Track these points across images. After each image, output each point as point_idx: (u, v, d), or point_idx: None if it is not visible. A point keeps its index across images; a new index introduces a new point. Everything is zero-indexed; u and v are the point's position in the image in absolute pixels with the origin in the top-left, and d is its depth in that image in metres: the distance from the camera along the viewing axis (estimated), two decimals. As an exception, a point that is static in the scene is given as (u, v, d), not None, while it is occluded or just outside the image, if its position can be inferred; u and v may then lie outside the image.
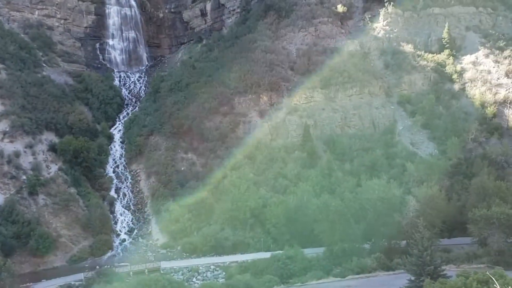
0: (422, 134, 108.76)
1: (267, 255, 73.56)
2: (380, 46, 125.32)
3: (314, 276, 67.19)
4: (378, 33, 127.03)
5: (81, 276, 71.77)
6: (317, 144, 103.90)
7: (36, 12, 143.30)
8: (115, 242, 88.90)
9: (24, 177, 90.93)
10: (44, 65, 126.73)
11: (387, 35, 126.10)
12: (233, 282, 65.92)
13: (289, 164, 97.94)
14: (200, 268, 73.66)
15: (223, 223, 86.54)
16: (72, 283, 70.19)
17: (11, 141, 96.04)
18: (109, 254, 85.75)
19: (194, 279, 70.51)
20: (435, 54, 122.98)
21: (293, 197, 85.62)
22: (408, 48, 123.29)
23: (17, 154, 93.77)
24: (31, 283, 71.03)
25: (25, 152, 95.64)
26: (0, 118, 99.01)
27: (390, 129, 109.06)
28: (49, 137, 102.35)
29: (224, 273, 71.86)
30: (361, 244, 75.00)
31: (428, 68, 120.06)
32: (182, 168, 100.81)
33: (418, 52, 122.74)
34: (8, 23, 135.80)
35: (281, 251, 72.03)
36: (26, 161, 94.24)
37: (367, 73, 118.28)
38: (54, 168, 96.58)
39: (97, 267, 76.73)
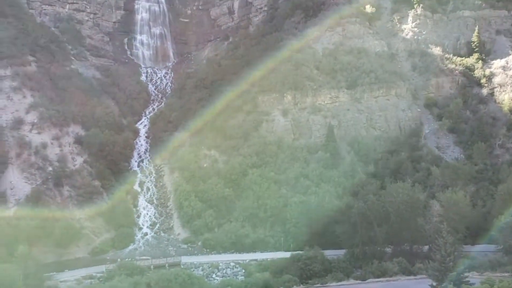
0: (448, 138, 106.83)
1: (286, 254, 73.44)
2: (408, 47, 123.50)
3: (334, 278, 66.83)
4: (407, 34, 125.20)
5: (102, 268, 72.84)
6: (341, 145, 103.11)
7: (67, 6, 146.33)
8: (137, 236, 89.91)
9: (50, 168, 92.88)
10: (73, 58, 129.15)
11: (415, 37, 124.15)
12: (252, 280, 66.05)
13: (311, 164, 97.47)
14: (220, 264, 74.03)
15: (243, 220, 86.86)
16: (94, 274, 71.25)
17: (39, 133, 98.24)
18: (130, 247, 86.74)
19: (214, 275, 70.89)
20: (464, 57, 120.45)
21: (314, 197, 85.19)
22: (436, 50, 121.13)
23: (44, 146, 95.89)
24: (54, 273, 72.41)
25: (52, 143, 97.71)
26: (29, 110, 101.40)
27: (416, 132, 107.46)
28: (76, 129, 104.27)
29: (243, 270, 72.04)
30: (383, 247, 74.22)
31: (456, 71, 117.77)
32: (205, 165, 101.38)
33: (447, 55, 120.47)
34: (40, 17, 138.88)
35: (301, 252, 71.78)
36: (52, 152, 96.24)
37: (394, 74, 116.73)
38: (79, 160, 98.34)
39: (119, 259, 77.83)
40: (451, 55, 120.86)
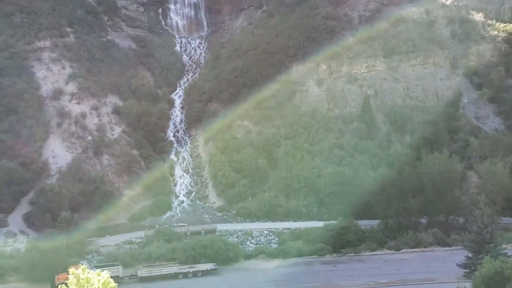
0: (488, 108, 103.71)
1: (319, 224, 74.10)
2: (448, 14, 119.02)
3: (367, 248, 67.34)
4: (446, 0, 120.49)
5: (141, 234, 75.24)
6: (377, 115, 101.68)
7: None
8: (173, 203, 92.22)
9: (89, 137, 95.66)
10: (109, 29, 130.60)
11: (455, 3, 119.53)
12: (285, 247, 67.33)
13: (346, 135, 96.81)
14: (254, 232, 75.42)
15: (277, 190, 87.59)
16: (133, 240, 73.78)
17: (78, 103, 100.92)
18: (168, 214, 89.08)
19: (248, 243, 72.40)
20: (507, 23, 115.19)
21: (349, 168, 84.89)
22: (478, 16, 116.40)
23: (83, 115, 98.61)
24: (95, 238, 75.51)
25: (91, 113, 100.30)
26: (68, 80, 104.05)
27: (454, 102, 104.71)
28: (113, 100, 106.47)
29: (277, 238, 73.26)
30: (418, 218, 73.88)
31: (499, 38, 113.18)
32: (238, 135, 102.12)
33: (489, 21, 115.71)
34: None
35: (334, 221, 72.27)
36: (91, 122, 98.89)
37: (432, 42, 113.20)
38: (117, 130, 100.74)
39: (156, 226, 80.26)
40: (494, 21, 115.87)
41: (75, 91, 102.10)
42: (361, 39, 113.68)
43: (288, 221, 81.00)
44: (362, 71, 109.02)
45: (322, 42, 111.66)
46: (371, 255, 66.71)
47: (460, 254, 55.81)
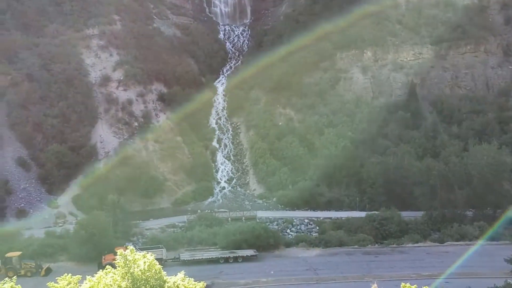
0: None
1: (361, 214, 73.38)
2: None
3: (410, 239, 66.24)
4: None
5: (184, 218, 76.82)
6: (423, 104, 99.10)
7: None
8: (215, 189, 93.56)
9: (135, 123, 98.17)
10: (155, 17, 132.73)
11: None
12: (326, 236, 67.15)
13: (391, 124, 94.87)
14: (294, 220, 75.46)
15: (318, 179, 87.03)
16: (176, 223, 75.43)
17: (125, 90, 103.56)
18: (209, 199, 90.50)
19: (288, 230, 72.58)
20: None
21: (393, 158, 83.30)
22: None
23: (130, 102, 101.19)
24: (140, 221, 77.84)
25: (137, 100, 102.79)
26: (115, 67, 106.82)
27: (505, 91, 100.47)
28: (158, 87, 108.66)
29: (317, 227, 73.05)
30: (463, 211, 71.83)
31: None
32: (280, 123, 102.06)
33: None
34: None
35: (376, 212, 71.40)
36: (138, 109, 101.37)
37: (484, 29, 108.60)
38: (162, 117, 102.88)
39: (199, 211, 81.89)
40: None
41: (121, 78, 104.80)
42: (408, 26, 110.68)
43: (329, 210, 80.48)
44: (408, 58, 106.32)
45: (367, 29, 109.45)
46: (414, 247, 65.60)
47: (508, 249, 53.93)
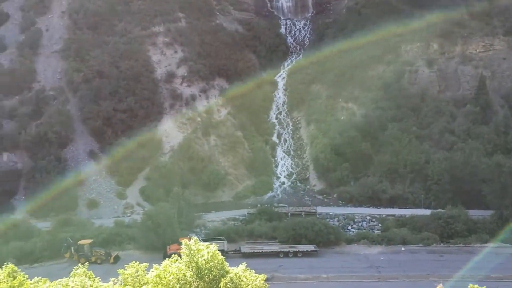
0: None
1: (426, 212, 71.23)
2: None
3: (478, 239, 63.50)
4: None
5: (244, 211, 78.10)
6: (493, 98, 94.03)
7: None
8: (275, 184, 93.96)
9: (199, 119, 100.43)
10: (218, 13, 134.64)
11: None
12: (389, 234, 65.76)
13: (458, 119, 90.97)
14: (356, 217, 74.49)
15: (381, 175, 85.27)
16: (237, 217, 76.85)
17: (189, 85, 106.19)
18: (269, 194, 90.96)
19: (349, 227, 71.80)
20: None
21: (460, 154, 79.94)
22: None
23: (193, 98, 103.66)
24: (203, 213, 79.91)
25: (200, 96, 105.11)
26: (179, 64, 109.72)
27: None
28: (221, 82, 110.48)
29: (380, 225, 71.73)
30: (538, 211, 67.70)
31: None
32: (342, 118, 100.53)
33: None
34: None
35: (442, 210, 68.93)
36: (201, 104, 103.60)
37: None
38: (223, 112, 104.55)
39: (259, 205, 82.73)
40: None
41: (186, 74, 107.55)
42: (477, 16, 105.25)
43: (392, 207, 78.73)
44: (478, 50, 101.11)
45: (434, 20, 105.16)
46: (482, 247, 62.70)
47: None
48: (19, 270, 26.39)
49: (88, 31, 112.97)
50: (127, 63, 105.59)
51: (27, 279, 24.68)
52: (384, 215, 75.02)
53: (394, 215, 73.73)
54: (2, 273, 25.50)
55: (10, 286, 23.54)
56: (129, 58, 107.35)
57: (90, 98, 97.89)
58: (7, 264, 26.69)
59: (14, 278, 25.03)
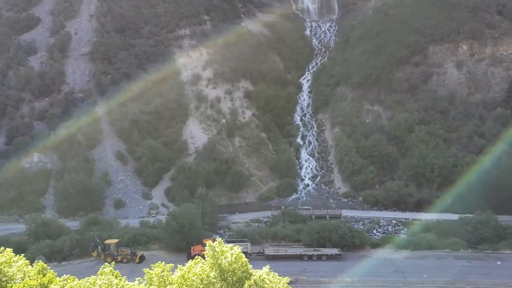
0: None
1: (454, 217, 69.71)
2: None
3: (508, 245, 61.75)
4: None
5: (268, 213, 77.98)
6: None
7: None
8: (299, 186, 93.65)
9: (223, 120, 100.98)
10: (243, 16, 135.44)
11: None
12: (415, 239, 64.58)
13: (488, 122, 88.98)
14: (381, 221, 73.53)
15: (407, 179, 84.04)
16: (261, 218, 76.75)
17: (214, 87, 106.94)
18: (293, 196, 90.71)
19: (374, 231, 70.91)
20: None
21: (490, 158, 78.04)
22: None
23: (218, 99, 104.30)
24: (227, 214, 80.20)
25: (225, 98, 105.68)
26: (205, 66, 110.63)
27: None
28: (245, 84, 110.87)
29: (405, 229, 70.61)
30: None
31: None
32: (367, 120, 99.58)
33: None
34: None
35: (470, 215, 67.43)
36: (225, 106, 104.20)
37: None
38: (248, 113, 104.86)
39: (283, 207, 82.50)
40: None
41: (211, 77, 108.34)
42: (509, 16, 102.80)
43: (418, 211, 77.46)
44: (509, 51, 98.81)
45: (463, 21, 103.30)
46: (512, 254, 61.08)
47: None
48: (48, 267, 27.09)
49: (115, 34, 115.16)
50: (153, 66, 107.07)
51: (56, 276, 25.26)
52: (410, 219, 73.89)
53: (420, 220, 72.46)
54: (33, 270, 26.19)
55: (40, 283, 24.10)
56: (155, 60, 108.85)
57: (117, 100, 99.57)
58: (38, 261, 27.42)
59: (44, 275, 25.65)
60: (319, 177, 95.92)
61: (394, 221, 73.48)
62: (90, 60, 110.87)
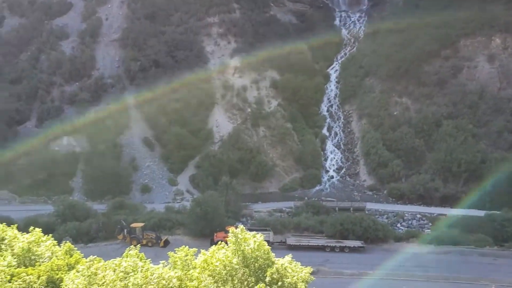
0: None
1: (480, 213, 68.55)
2: None
3: (536, 244, 60.45)
4: None
5: (291, 204, 78.16)
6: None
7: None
8: (323, 178, 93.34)
9: (249, 109, 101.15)
10: (272, 4, 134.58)
11: None
12: (440, 234, 63.88)
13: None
14: (406, 215, 72.86)
15: (433, 173, 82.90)
16: (283, 208, 77.00)
17: (240, 76, 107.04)
18: (317, 188, 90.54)
19: (398, 225, 70.40)
20: None
21: (519, 155, 76.29)
22: None
23: (244, 88, 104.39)
24: (250, 203, 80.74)
25: (251, 87, 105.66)
26: (233, 55, 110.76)
27: None
28: (272, 74, 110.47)
29: (430, 224, 69.88)
30: None
31: None
32: (395, 113, 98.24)
33: None
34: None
35: (497, 212, 66.19)
36: (251, 95, 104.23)
37: None
38: (274, 103, 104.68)
39: (306, 198, 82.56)
40: None
41: (238, 65, 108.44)
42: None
43: (444, 206, 76.48)
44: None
45: (497, 13, 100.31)
46: (540, 253, 59.81)
47: None
48: (75, 248, 27.99)
49: (146, 21, 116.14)
50: (182, 53, 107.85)
51: (82, 257, 26.07)
52: (435, 214, 72.98)
53: (445, 215, 71.55)
54: (60, 250, 27.10)
55: (67, 263, 24.95)
56: (184, 48, 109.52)
57: (146, 87, 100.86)
58: (65, 242, 28.34)
59: (71, 255, 26.55)
60: (344, 169, 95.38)
61: (418, 216, 72.73)
62: (120, 46, 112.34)
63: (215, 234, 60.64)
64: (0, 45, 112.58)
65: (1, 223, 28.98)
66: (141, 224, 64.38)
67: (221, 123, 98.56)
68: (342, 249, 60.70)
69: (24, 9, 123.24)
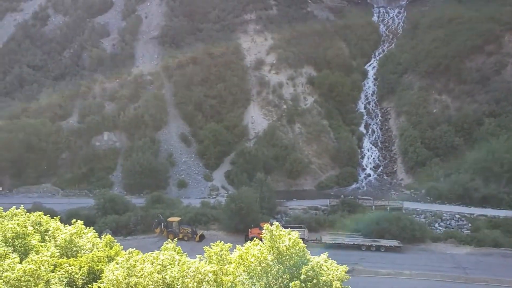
0: None
1: (524, 215, 66.23)
2: None
3: None
4: None
5: (326, 201, 77.44)
6: None
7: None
8: (360, 176, 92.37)
9: (284, 106, 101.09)
10: (309, 1, 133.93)
11: None
12: (479, 235, 62.14)
13: None
14: (444, 215, 71.13)
15: (474, 173, 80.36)
16: (319, 206, 76.46)
17: (277, 73, 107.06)
18: (353, 186, 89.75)
19: (436, 225, 68.80)
20: None
21: None
22: None
23: (280, 85, 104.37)
24: (284, 200, 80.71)
25: (287, 83, 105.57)
26: (269, 51, 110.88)
27: None
28: (308, 70, 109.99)
29: (469, 224, 67.94)
30: None
31: None
32: (434, 110, 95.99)
33: None
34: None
35: (542, 214, 63.80)
36: (287, 92, 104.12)
37: None
38: (310, 100, 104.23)
39: (342, 196, 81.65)
40: None
41: (274, 62, 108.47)
42: None
43: (484, 207, 74.18)
44: None
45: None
46: None
47: None
48: (115, 240, 28.88)
49: (184, 18, 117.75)
50: (219, 50, 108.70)
51: (121, 249, 26.88)
52: (475, 215, 70.89)
53: (486, 216, 69.40)
54: (101, 242, 28.04)
55: (107, 255, 25.80)
56: (221, 45, 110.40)
57: (183, 84, 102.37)
58: (105, 234, 29.27)
59: (111, 248, 27.44)
60: (381, 168, 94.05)
61: (457, 216, 70.87)
62: (159, 44, 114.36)
63: (249, 230, 61.01)
64: (44, 42, 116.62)
65: (45, 215, 30.22)
66: (178, 219, 65.46)
67: (257, 119, 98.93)
68: (378, 248, 59.90)
69: (67, 7, 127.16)
